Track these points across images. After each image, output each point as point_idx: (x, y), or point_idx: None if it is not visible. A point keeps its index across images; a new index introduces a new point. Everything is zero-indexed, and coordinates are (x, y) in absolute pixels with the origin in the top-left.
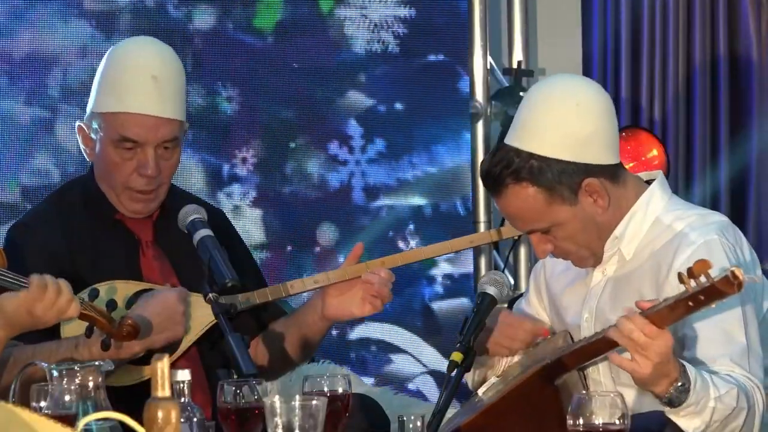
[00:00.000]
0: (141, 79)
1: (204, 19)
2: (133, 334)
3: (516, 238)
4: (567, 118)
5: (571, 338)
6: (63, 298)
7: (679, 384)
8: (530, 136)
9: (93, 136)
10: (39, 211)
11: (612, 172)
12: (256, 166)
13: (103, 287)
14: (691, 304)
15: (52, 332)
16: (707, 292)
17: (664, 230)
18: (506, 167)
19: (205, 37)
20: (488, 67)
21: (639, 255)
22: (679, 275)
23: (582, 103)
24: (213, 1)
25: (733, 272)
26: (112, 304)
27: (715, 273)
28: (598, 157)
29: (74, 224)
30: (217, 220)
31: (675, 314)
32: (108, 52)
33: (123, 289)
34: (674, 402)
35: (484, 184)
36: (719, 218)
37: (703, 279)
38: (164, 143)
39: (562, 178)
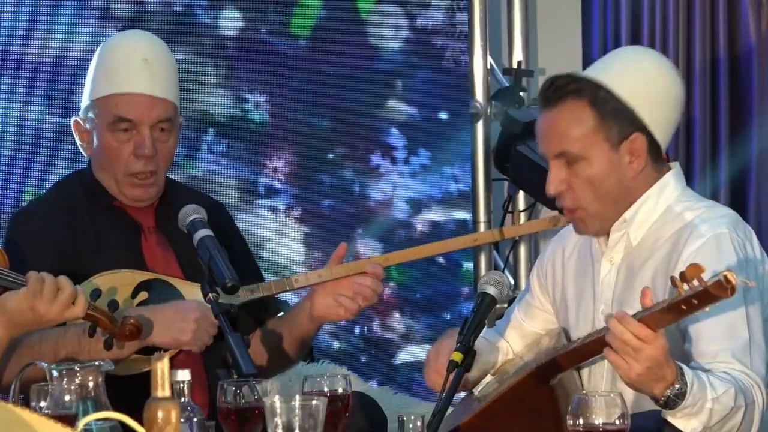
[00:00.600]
0: (132, 62)
1: (233, 23)
2: (135, 333)
3: (517, 238)
4: (651, 75)
5: (567, 337)
6: (65, 293)
7: (676, 387)
8: (608, 72)
9: (88, 126)
10: (41, 201)
11: (657, 151)
12: (291, 177)
13: (104, 281)
14: (684, 307)
15: None
16: (700, 296)
17: (673, 218)
18: (573, 82)
19: (236, 42)
20: (488, 67)
21: (646, 241)
22: (672, 279)
23: (669, 79)
24: (244, 5)
25: (725, 276)
26: (113, 305)
27: (708, 276)
28: (657, 126)
29: (76, 211)
30: (219, 215)
31: (668, 317)
32: (99, 46)
33: (126, 279)
34: (670, 404)
35: (543, 94)
36: (730, 212)
37: (696, 283)
38: (159, 123)
39: (619, 117)
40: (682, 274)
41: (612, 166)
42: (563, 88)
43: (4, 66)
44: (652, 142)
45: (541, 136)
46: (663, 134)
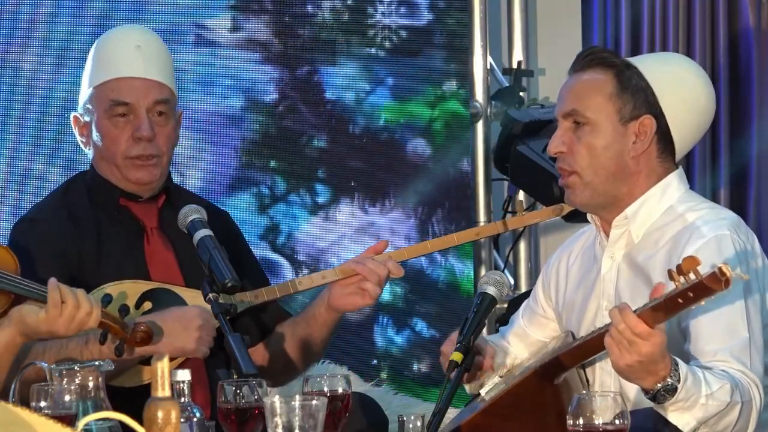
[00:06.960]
0: (125, 49)
1: None
2: (146, 339)
3: (521, 229)
4: (686, 76)
5: (573, 337)
6: (82, 312)
7: (668, 382)
8: (645, 60)
9: (87, 118)
10: (44, 206)
11: (667, 146)
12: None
13: (113, 289)
14: (680, 301)
15: None
16: (695, 289)
17: (675, 218)
18: (608, 53)
19: None
20: (488, 67)
21: (647, 239)
22: (669, 272)
23: (704, 89)
24: None
25: (720, 269)
26: (124, 309)
27: (704, 270)
28: (675, 122)
29: (79, 214)
30: (224, 223)
31: (666, 312)
32: (95, 41)
33: (130, 289)
34: (658, 399)
35: (577, 60)
36: (732, 215)
37: (692, 276)
38: (156, 106)
39: (637, 96)
40: (678, 267)
41: (615, 139)
42: (597, 56)
43: None
44: (664, 134)
45: (560, 96)
46: (680, 133)
